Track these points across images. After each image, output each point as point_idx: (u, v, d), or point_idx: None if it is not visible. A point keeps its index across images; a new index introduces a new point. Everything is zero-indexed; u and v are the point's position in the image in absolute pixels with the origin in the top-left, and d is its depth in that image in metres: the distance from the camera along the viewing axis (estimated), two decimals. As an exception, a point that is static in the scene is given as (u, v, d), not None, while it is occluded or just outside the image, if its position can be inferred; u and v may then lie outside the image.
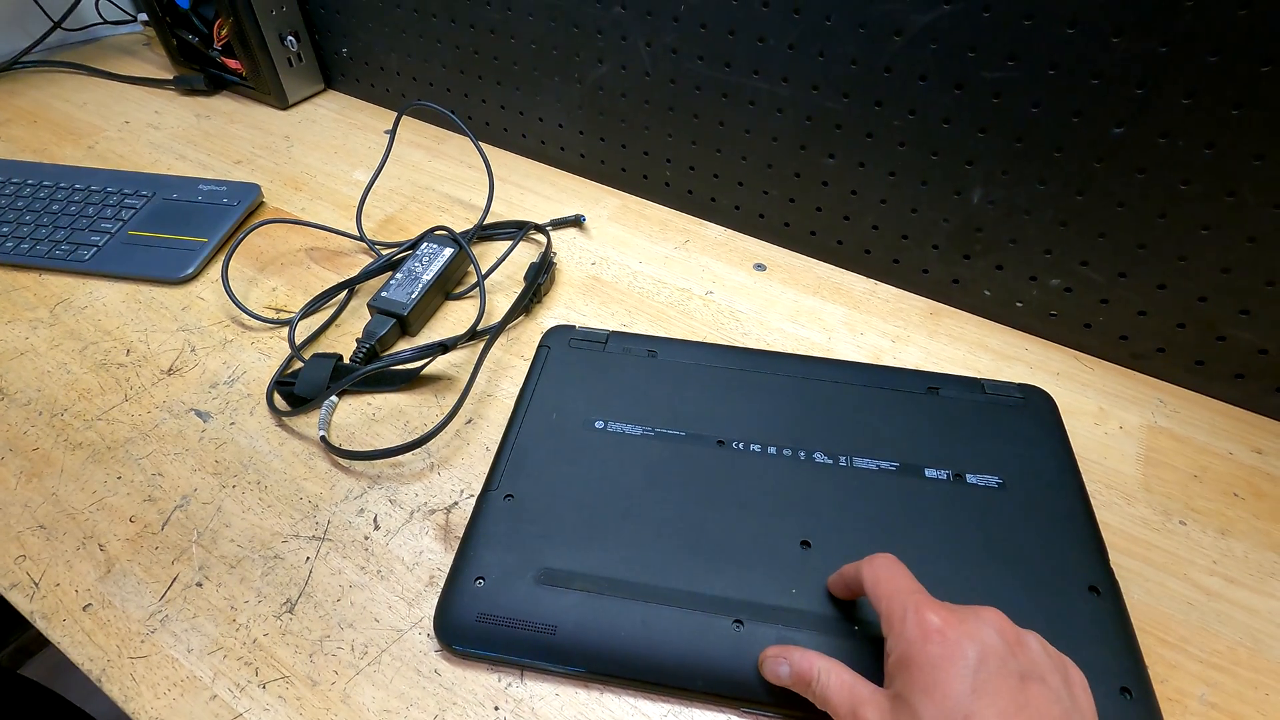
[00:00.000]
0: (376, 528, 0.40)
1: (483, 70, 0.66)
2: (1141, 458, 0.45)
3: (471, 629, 0.34)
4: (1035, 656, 0.26)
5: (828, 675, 0.29)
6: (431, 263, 0.53)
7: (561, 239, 0.60)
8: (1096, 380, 0.50)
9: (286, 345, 0.49)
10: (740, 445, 0.42)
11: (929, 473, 0.41)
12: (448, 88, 0.70)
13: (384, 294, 0.51)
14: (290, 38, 0.72)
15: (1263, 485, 0.43)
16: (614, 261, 0.58)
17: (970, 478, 0.40)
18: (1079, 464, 0.43)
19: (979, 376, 0.47)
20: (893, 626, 0.27)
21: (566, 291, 0.55)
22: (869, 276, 0.57)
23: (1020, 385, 0.46)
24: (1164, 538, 0.41)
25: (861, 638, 0.34)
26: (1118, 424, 0.47)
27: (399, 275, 0.52)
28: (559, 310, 0.54)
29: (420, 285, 0.51)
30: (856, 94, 0.49)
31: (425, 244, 0.54)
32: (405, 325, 0.50)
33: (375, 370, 0.45)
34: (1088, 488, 0.43)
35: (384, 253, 0.56)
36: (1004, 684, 0.25)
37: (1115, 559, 0.39)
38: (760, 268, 0.58)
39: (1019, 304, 0.52)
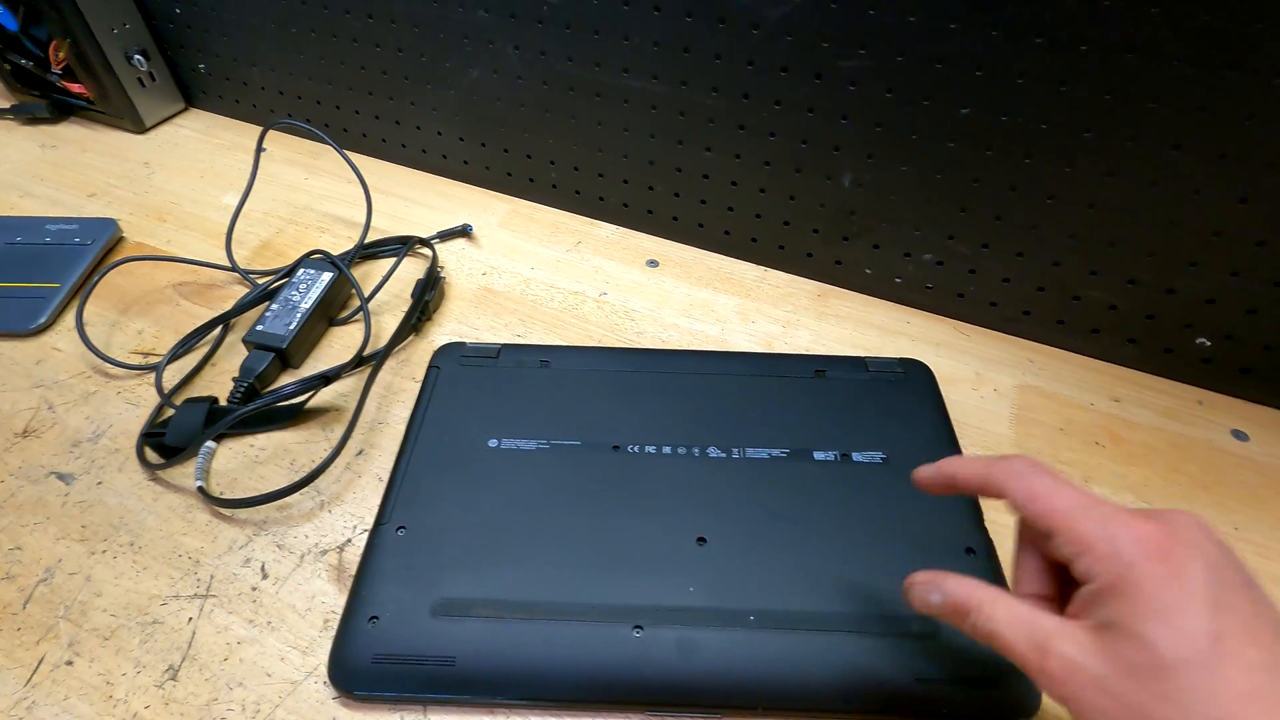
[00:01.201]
0: (264, 577, 0.38)
1: (351, 81, 0.63)
2: (1014, 417, 0.48)
3: (368, 671, 0.33)
4: (1241, 561, 0.24)
5: (993, 606, 0.25)
6: (310, 289, 0.51)
7: (450, 250, 0.59)
8: (973, 347, 0.52)
9: (156, 393, 0.46)
10: (636, 449, 0.42)
11: (818, 455, 0.42)
12: (318, 100, 0.67)
13: (260, 327, 0.48)
14: (138, 56, 0.67)
15: (1121, 431, 0.47)
16: (505, 270, 0.57)
17: (856, 456, 0.42)
18: (958, 430, 0.46)
19: (865, 355, 0.48)
20: (1093, 549, 0.23)
21: (458, 305, 0.54)
22: (758, 264, 0.58)
23: (901, 360, 0.48)
24: (1035, 492, 0.43)
25: (758, 628, 0.35)
26: (993, 387, 0.49)
27: (275, 305, 0.50)
28: (450, 326, 0.53)
29: (299, 314, 0.49)
30: (724, 88, 0.49)
31: (302, 270, 0.52)
32: (286, 358, 0.48)
33: (253, 411, 0.43)
34: (967, 451, 0.45)
35: (259, 282, 0.53)
36: (1239, 596, 0.22)
37: (991, 517, 0.41)
38: (653, 264, 0.58)
39: (898, 280, 0.54)
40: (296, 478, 0.41)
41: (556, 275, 0.57)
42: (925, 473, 0.31)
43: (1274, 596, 0.39)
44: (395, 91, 0.62)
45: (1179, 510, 0.24)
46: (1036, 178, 0.44)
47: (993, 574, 0.37)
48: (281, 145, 0.69)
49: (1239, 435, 0.47)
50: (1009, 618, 0.25)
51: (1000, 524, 0.41)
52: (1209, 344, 0.47)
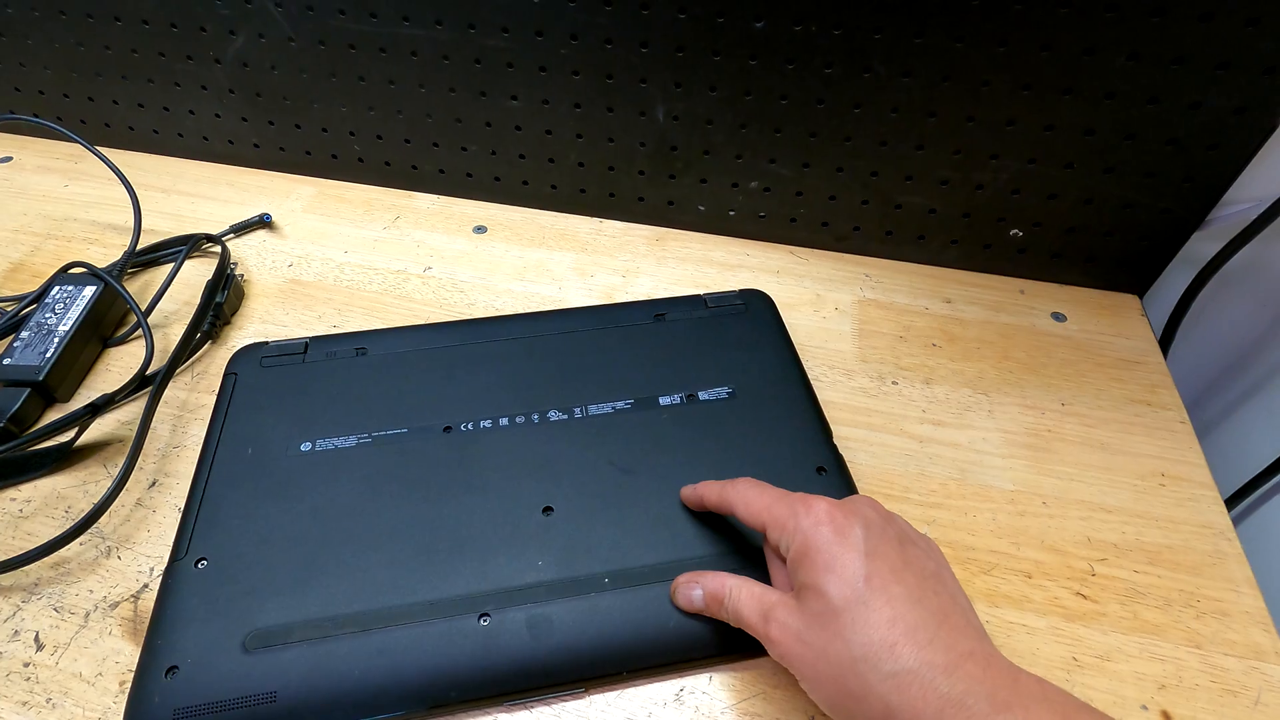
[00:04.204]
0: (40, 648, 0.32)
1: (99, 66, 0.54)
2: (856, 332, 0.48)
3: (170, 731, 0.29)
4: (905, 527, 0.30)
5: (738, 590, 0.29)
6: (69, 309, 0.43)
7: (248, 245, 0.52)
8: (811, 270, 0.52)
9: (-121, 458, 0.38)
10: (469, 426, 0.39)
11: (663, 401, 0.40)
12: (65, 94, 0.57)
13: (7, 361, 0.41)
14: None
15: (954, 330, 0.48)
16: (315, 258, 0.52)
17: (703, 395, 0.41)
18: (804, 352, 0.45)
19: (705, 292, 0.47)
20: (785, 528, 0.29)
21: (261, 304, 0.48)
22: (592, 215, 0.55)
23: (740, 291, 0.47)
24: (880, 401, 0.44)
25: (612, 590, 0.33)
26: (834, 306, 0.50)
27: (25, 334, 0.42)
28: (253, 327, 0.47)
29: (56, 339, 0.42)
30: (514, 26, 0.45)
31: (57, 288, 0.45)
32: (48, 391, 0.41)
33: None
34: (813, 372, 0.45)
35: (6, 310, 0.45)
36: (889, 546, 0.27)
37: (841, 431, 0.41)
38: (480, 230, 0.54)
39: (731, 213, 0.53)
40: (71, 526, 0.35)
41: (373, 256, 0.52)
42: (685, 493, 0.35)
43: (1102, 463, 0.41)
44: (154, 72, 0.54)
45: (855, 495, 0.31)
46: (840, 87, 0.44)
47: (845, 489, 0.37)
48: (32, 151, 0.60)
49: (1058, 317, 0.49)
50: (748, 597, 0.29)
51: (850, 438, 0.42)
52: (1021, 234, 0.49)
